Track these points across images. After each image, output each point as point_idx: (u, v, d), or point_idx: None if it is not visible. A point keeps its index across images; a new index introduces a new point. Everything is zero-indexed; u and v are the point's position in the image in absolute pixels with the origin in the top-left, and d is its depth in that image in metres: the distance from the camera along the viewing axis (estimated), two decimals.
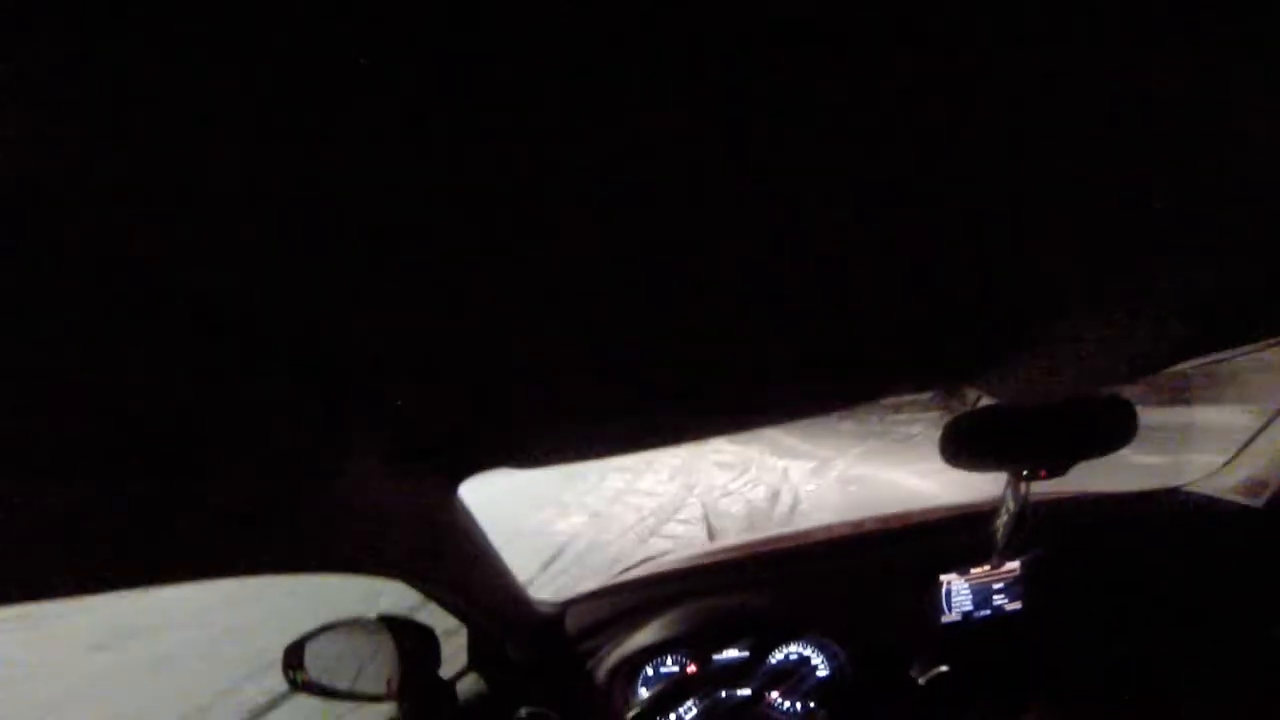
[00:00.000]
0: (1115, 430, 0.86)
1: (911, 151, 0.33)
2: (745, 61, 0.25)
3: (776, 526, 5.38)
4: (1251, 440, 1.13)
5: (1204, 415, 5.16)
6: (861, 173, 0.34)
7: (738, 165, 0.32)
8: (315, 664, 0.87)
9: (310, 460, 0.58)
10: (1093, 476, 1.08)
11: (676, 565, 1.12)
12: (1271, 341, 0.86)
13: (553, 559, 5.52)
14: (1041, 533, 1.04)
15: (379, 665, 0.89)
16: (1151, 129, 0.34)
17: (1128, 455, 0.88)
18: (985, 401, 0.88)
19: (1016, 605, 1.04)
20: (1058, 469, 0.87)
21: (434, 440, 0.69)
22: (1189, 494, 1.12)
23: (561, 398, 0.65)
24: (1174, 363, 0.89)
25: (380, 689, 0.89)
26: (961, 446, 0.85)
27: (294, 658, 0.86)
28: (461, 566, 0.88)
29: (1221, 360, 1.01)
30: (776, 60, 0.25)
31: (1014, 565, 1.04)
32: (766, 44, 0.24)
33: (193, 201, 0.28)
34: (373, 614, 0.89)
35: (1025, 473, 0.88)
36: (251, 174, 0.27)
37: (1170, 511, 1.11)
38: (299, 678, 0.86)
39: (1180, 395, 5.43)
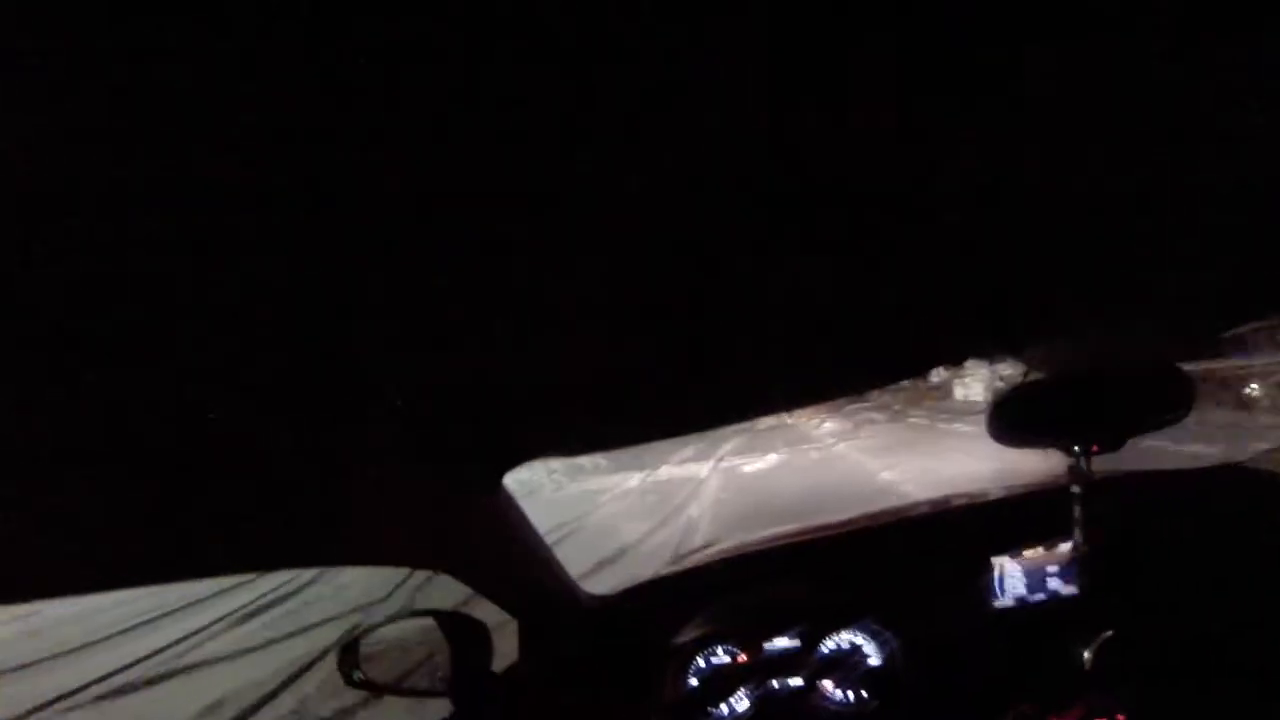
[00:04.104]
0: (1172, 402, 0.83)
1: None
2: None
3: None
4: None
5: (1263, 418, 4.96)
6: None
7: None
8: (370, 660, 0.88)
9: (354, 457, 0.59)
10: (1140, 463, 1.05)
11: (725, 555, 1.12)
12: None
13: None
14: (1096, 512, 1.01)
15: (432, 660, 0.90)
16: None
17: (1179, 446, 0.85)
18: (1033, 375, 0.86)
19: (1072, 588, 1.01)
20: (1112, 443, 0.84)
21: (475, 433, 0.69)
22: (1249, 470, 1.08)
23: (595, 388, 0.65)
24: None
25: (434, 684, 0.90)
26: (1011, 422, 0.83)
27: (349, 654, 0.88)
28: (509, 558, 0.88)
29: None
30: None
31: (1068, 546, 1.01)
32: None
33: (205, 201, 0.27)
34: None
35: (1078, 449, 0.85)
36: (266, 174, 0.27)
37: (1229, 488, 1.07)
38: (355, 674, 0.88)
39: (1237, 393, 5.25)
